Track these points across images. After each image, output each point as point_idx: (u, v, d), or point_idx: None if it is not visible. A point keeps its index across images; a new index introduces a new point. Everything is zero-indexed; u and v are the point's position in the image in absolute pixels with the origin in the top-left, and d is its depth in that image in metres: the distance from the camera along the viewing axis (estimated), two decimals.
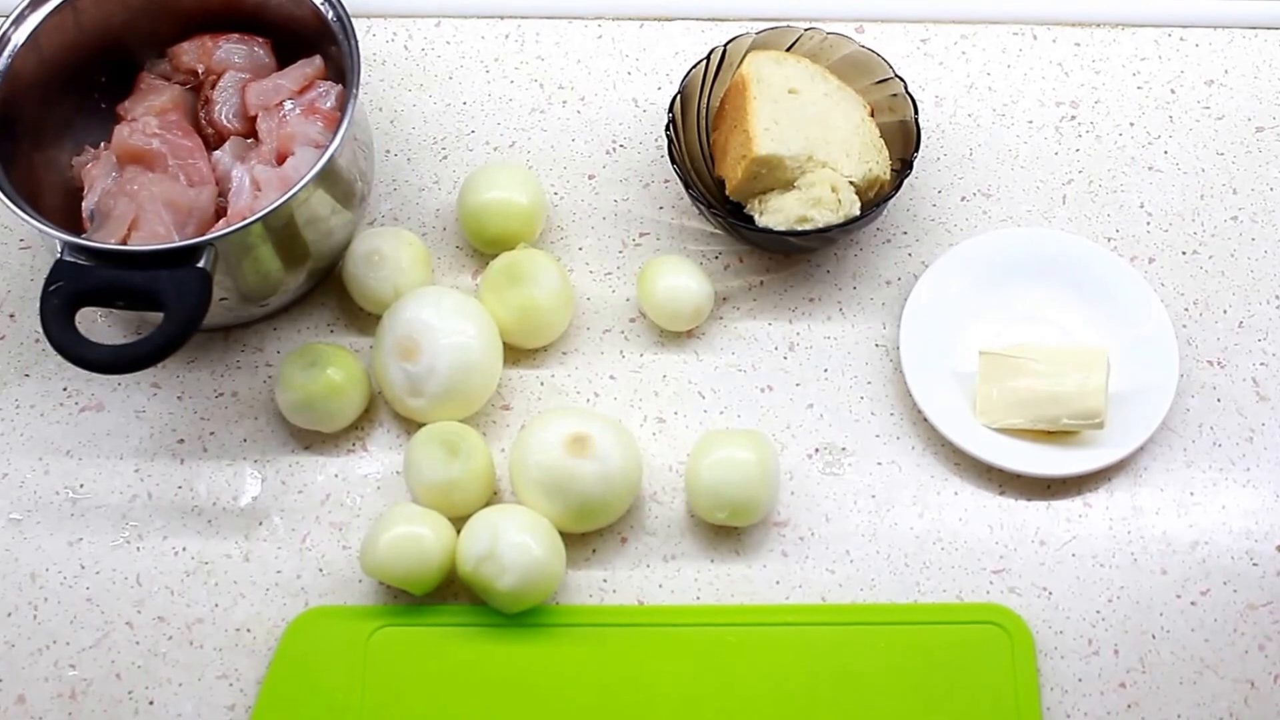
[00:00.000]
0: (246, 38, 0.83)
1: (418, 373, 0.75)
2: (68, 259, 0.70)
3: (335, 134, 0.74)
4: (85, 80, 0.82)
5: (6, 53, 0.77)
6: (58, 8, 0.78)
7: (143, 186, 0.76)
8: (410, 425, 0.78)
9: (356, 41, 0.77)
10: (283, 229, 0.75)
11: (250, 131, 0.80)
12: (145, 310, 0.71)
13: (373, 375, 0.79)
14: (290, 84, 0.80)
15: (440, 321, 0.76)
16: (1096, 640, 0.73)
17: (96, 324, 0.82)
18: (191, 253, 0.71)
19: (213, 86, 0.82)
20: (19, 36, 0.77)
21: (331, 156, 0.73)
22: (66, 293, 0.70)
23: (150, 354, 0.69)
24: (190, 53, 0.82)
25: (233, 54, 0.82)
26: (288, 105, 0.79)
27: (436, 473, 0.73)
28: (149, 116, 0.80)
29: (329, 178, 0.76)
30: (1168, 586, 0.74)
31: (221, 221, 0.76)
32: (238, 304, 0.78)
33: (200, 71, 0.82)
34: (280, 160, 0.78)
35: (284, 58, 0.83)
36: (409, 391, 0.76)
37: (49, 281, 0.70)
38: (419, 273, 0.80)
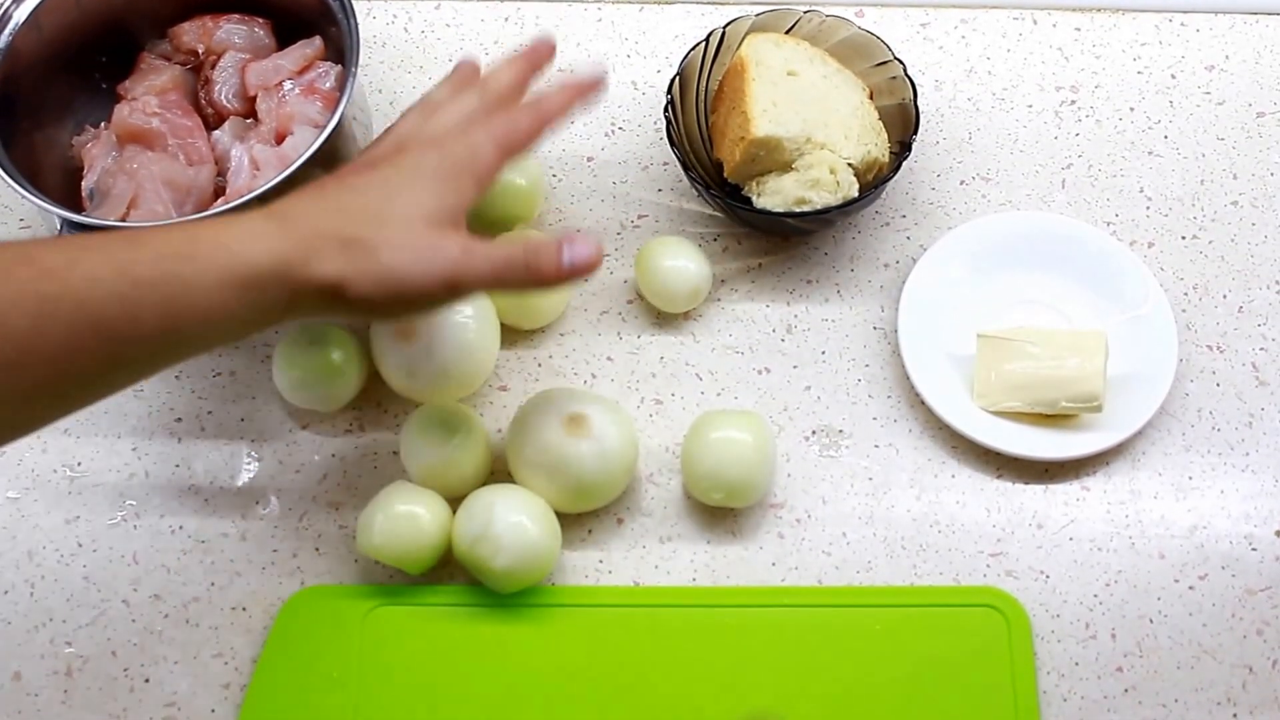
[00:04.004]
0: (247, 18, 0.83)
1: (415, 354, 0.75)
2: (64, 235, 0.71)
3: (333, 113, 0.74)
4: (86, 60, 0.82)
5: (7, 31, 0.77)
6: None
7: (142, 165, 0.76)
8: (408, 405, 0.78)
9: (356, 22, 0.77)
10: None
11: (250, 112, 0.81)
12: None
13: (371, 355, 0.79)
14: (290, 64, 0.80)
15: None
16: (1094, 624, 0.73)
17: None
18: None
19: (213, 67, 0.82)
20: (20, 14, 0.77)
21: (329, 136, 0.73)
22: None
23: None
24: (191, 33, 0.83)
25: (233, 34, 0.82)
26: (287, 85, 0.80)
27: (433, 453, 0.73)
28: (149, 96, 0.80)
29: (327, 158, 0.76)
30: (1166, 571, 0.74)
31: (220, 200, 0.76)
32: None
33: (200, 52, 0.83)
34: (279, 140, 0.78)
35: (284, 38, 0.83)
36: (407, 372, 0.76)
37: None
38: None
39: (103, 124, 0.80)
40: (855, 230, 0.84)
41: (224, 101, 0.81)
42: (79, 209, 0.77)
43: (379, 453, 0.77)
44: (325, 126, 0.74)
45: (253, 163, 0.77)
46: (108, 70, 0.83)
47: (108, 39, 0.82)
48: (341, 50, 0.78)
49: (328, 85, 0.79)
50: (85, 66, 0.82)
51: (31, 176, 0.74)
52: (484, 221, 0.82)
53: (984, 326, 0.78)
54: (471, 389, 0.77)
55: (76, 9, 0.80)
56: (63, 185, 0.79)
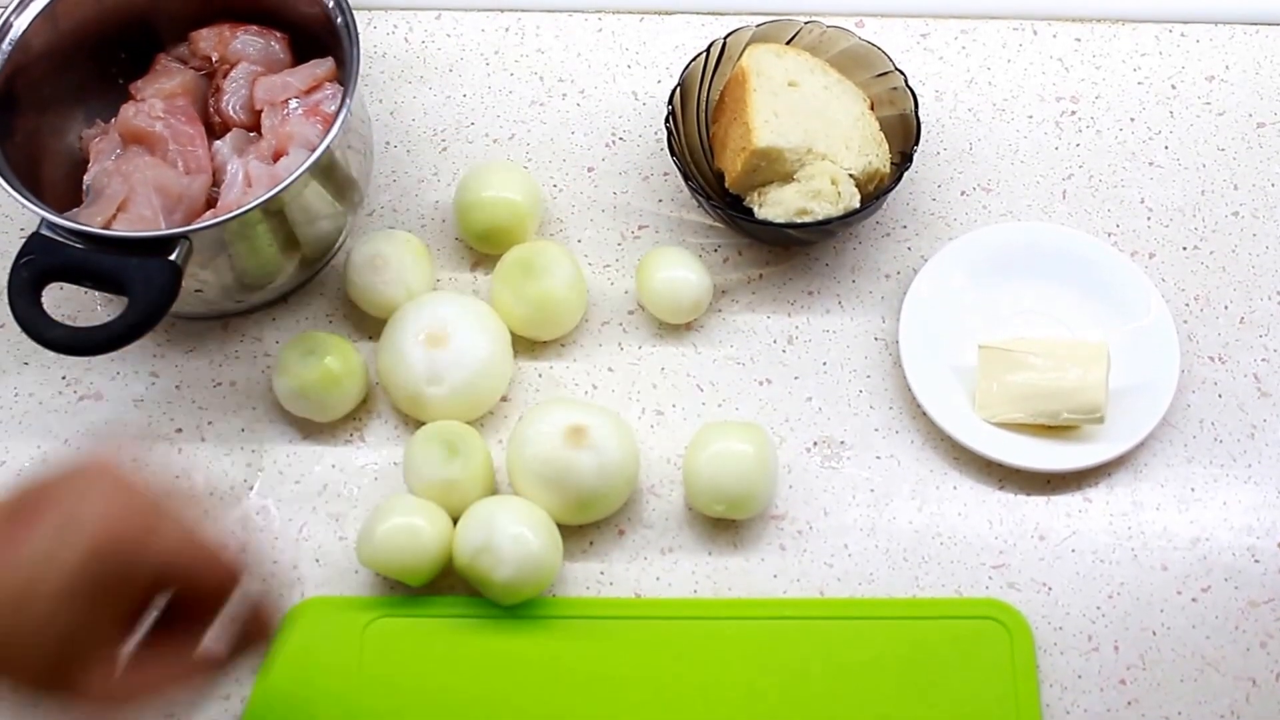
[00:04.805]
0: (265, 31, 0.82)
1: (446, 359, 0.75)
2: (44, 233, 0.70)
3: (320, 143, 0.73)
4: (105, 55, 0.82)
5: (19, 23, 0.76)
6: None
7: (136, 169, 0.75)
8: (409, 419, 0.78)
9: (358, 51, 0.76)
10: (265, 227, 0.74)
11: (255, 125, 0.80)
12: (112, 294, 0.71)
13: (374, 365, 0.78)
14: (298, 83, 0.80)
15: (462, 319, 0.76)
16: (1096, 636, 0.72)
17: (97, 311, 0.82)
18: (164, 244, 0.70)
19: (225, 76, 0.81)
20: (35, 7, 0.76)
21: (314, 163, 0.72)
22: (36, 266, 0.69)
23: (108, 340, 0.68)
24: (208, 40, 0.82)
25: (249, 45, 0.82)
26: (292, 104, 0.79)
27: (436, 472, 0.72)
28: (156, 99, 0.79)
29: (320, 180, 0.75)
30: (1168, 583, 0.74)
31: (208, 213, 0.76)
32: (219, 296, 0.78)
33: (215, 59, 0.82)
34: (276, 158, 0.77)
35: (302, 56, 0.82)
36: (428, 379, 0.75)
37: (21, 254, 0.70)
38: (422, 269, 0.80)
39: (112, 120, 0.80)
40: (856, 241, 0.84)
41: (231, 112, 0.80)
42: (79, 201, 0.77)
43: (379, 463, 0.77)
44: (315, 150, 0.73)
45: (246, 178, 0.76)
46: (126, 67, 0.82)
47: (129, 36, 0.82)
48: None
49: (333, 108, 0.78)
50: (103, 61, 0.82)
51: (33, 166, 0.74)
52: (478, 237, 0.82)
53: (985, 337, 0.78)
54: (480, 412, 0.77)
55: (96, 5, 0.79)
56: (67, 176, 0.79)
